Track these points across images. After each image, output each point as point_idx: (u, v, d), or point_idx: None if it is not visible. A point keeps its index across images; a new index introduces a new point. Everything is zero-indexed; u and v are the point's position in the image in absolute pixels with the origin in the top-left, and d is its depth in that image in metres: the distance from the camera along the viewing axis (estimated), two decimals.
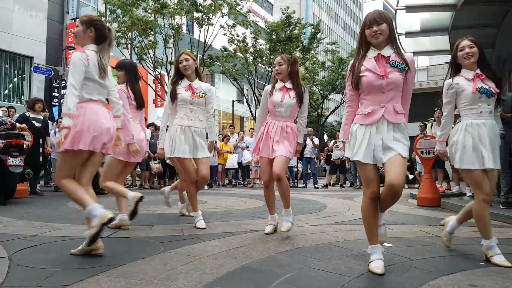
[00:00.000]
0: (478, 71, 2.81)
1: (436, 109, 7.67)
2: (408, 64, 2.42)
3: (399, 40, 2.64)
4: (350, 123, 2.55)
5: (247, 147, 12.01)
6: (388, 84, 2.39)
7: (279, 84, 3.64)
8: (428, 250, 2.99)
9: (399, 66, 2.40)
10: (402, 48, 2.58)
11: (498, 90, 2.80)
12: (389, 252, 2.88)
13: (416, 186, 10.91)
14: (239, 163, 12.02)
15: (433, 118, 8.35)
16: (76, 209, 4.45)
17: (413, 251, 2.94)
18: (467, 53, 2.80)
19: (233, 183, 12.50)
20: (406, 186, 12.03)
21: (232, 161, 11.53)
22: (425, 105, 9.41)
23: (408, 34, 9.42)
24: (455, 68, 2.94)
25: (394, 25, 2.51)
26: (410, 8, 7.94)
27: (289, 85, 3.61)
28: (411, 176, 11.88)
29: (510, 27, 8.78)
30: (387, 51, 2.44)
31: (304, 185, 11.97)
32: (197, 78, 3.94)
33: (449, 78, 2.93)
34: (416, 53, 10.61)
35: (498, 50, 9.11)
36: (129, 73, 3.85)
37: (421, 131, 9.28)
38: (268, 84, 22.09)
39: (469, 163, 2.70)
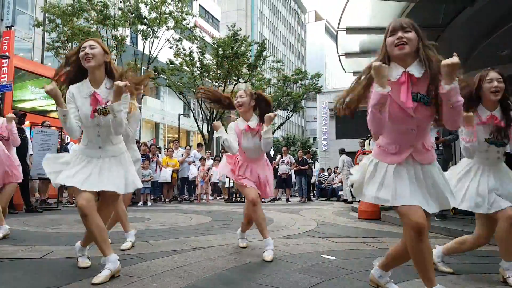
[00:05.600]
0: None
1: None
2: (435, 90, 1.82)
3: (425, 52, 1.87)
4: None
5: (194, 162, 11.81)
6: (418, 124, 1.92)
7: (241, 124, 3.38)
8: (370, 262, 3.08)
9: (423, 99, 1.86)
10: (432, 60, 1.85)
11: None
12: (333, 264, 2.95)
13: (358, 199, 11.34)
14: (185, 178, 11.76)
15: (370, 135, 8.80)
16: (15, 229, 4.06)
17: (355, 263, 3.03)
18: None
19: (178, 199, 12.20)
20: (349, 199, 12.49)
21: (165, 175, 10.84)
22: (364, 121, 9.89)
23: (348, 55, 9.91)
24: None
25: (424, 36, 1.89)
26: (350, 30, 8.36)
27: (252, 124, 3.35)
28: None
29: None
30: (417, 70, 1.86)
31: None
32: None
33: None
34: (356, 73, 11.17)
35: None
36: None
37: (361, 147, 9.73)
38: None
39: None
